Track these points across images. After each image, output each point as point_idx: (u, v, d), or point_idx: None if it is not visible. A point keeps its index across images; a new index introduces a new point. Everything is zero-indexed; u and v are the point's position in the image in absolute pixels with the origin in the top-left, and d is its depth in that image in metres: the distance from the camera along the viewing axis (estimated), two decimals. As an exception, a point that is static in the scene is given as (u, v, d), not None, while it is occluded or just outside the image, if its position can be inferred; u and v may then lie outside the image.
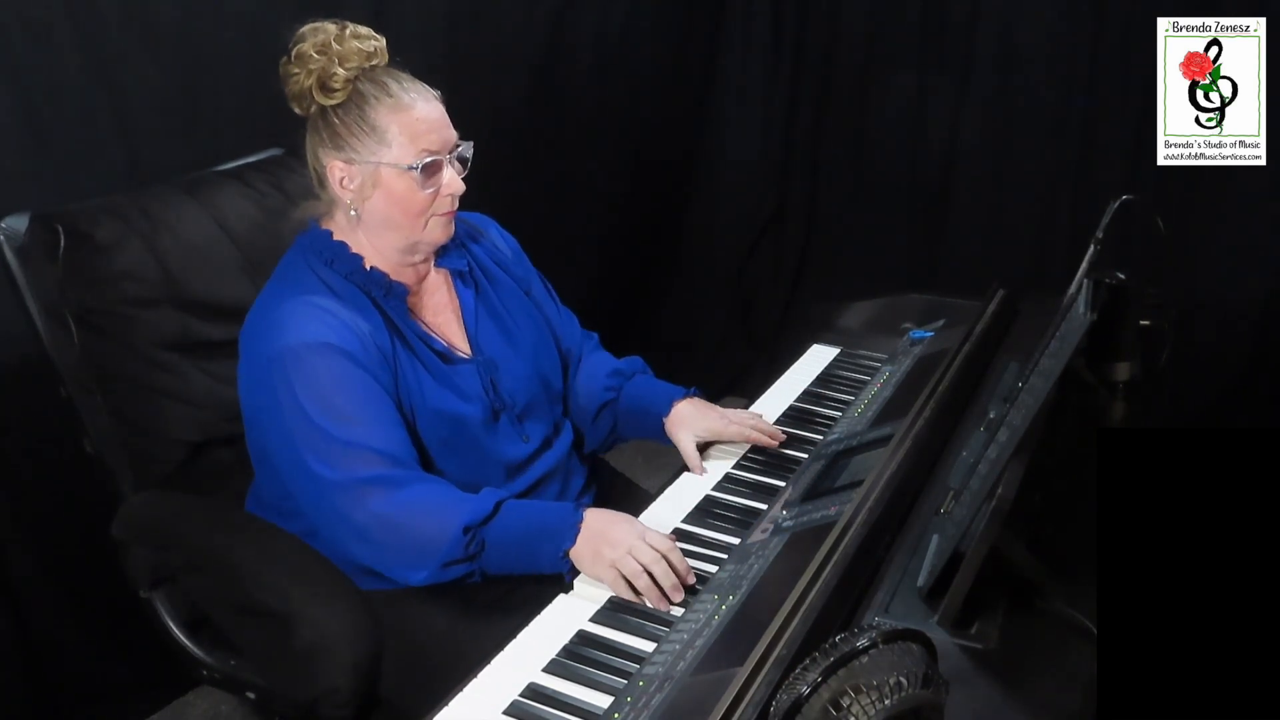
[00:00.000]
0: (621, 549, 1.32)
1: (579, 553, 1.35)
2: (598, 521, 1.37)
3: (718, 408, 1.69)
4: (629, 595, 1.31)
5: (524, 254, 1.72)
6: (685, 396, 1.69)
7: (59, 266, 1.56)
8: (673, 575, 1.31)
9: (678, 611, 1.29)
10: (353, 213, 1.47)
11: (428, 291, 1.56)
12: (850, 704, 0.82)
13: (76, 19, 1.85)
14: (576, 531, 1.35)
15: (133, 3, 1.92)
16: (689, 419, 1.66)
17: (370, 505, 1.37)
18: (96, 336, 1.59)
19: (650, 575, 1.30)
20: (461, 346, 1.55)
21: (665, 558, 1.32)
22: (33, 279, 1.56)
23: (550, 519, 1.39)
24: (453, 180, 1.46)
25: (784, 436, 1.67)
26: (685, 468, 1.64)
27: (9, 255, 1.55)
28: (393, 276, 1.50)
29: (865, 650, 0.84)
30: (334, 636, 1.37)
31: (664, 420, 1.67)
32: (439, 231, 1.49)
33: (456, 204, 1.49)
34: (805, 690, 0.83)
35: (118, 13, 1.91)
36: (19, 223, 1.56)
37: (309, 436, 1.37)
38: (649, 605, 1.30)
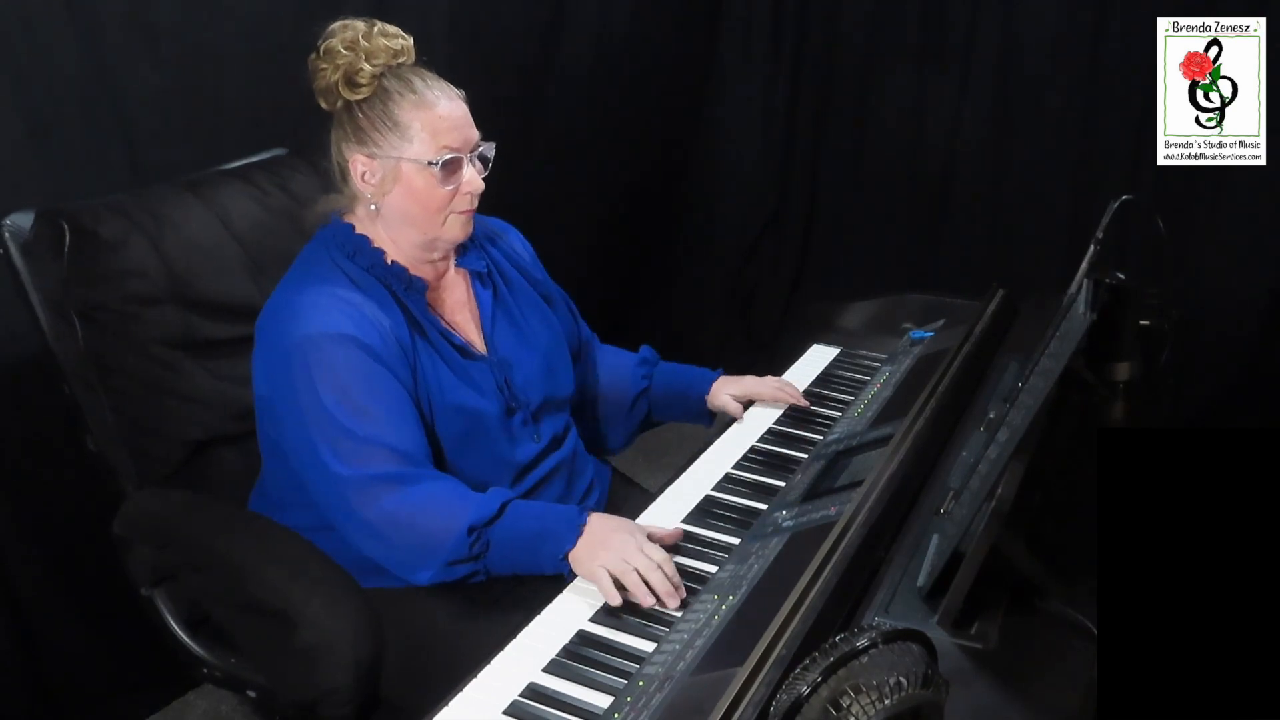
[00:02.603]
0: (615, 554, 1.32)
1: (576, 554, 1.36)
2: (600, 526, 1.37)
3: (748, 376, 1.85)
4: (615, 598, 1.29)
5: (540, 263, 1.74)
6: (719, 376, 1.85)
7: (63, 263, 1.56)
8: (668, 583, 1.31)
9: (678, 611, 1.29)
10: (372, 206, 1.48)
11: (446, 289, 1.57)
12: (850, 704, 0.82)
13: (77, 19, 1.85)
14: (578, 534, 1.36)
15: (134, 2, 1.93)
16: (726, 385, 1.82)
17: (381, 502, 1.38)
18: (100, 334, 1.59)
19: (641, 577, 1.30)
20: (478, 345, 1.56)
21: (659, 566, 1.31)
22: (37, 275, 1.56)
23: (554, 521, 1.39)
24: (472, 179, 1.48)
25: (807, 403, 1.82)
26: (685, 468, 1.64)
27: (14, 252, 1.55)
28: (412, 272, 1.51)
29: (865, 650, 0.84)
30: (335, 635, 1.37)
31: (705, 398, 1.82)
32: (457, 229, 1.50)
33: (476, 203, 1.50)
34: (805, 690, 0.83)
35: (119, 13, 1.91)
36: (24, 219, 1.56)
37: (325, 429, 1.38)
38: (639, 602, 1.29)
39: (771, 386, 1.82)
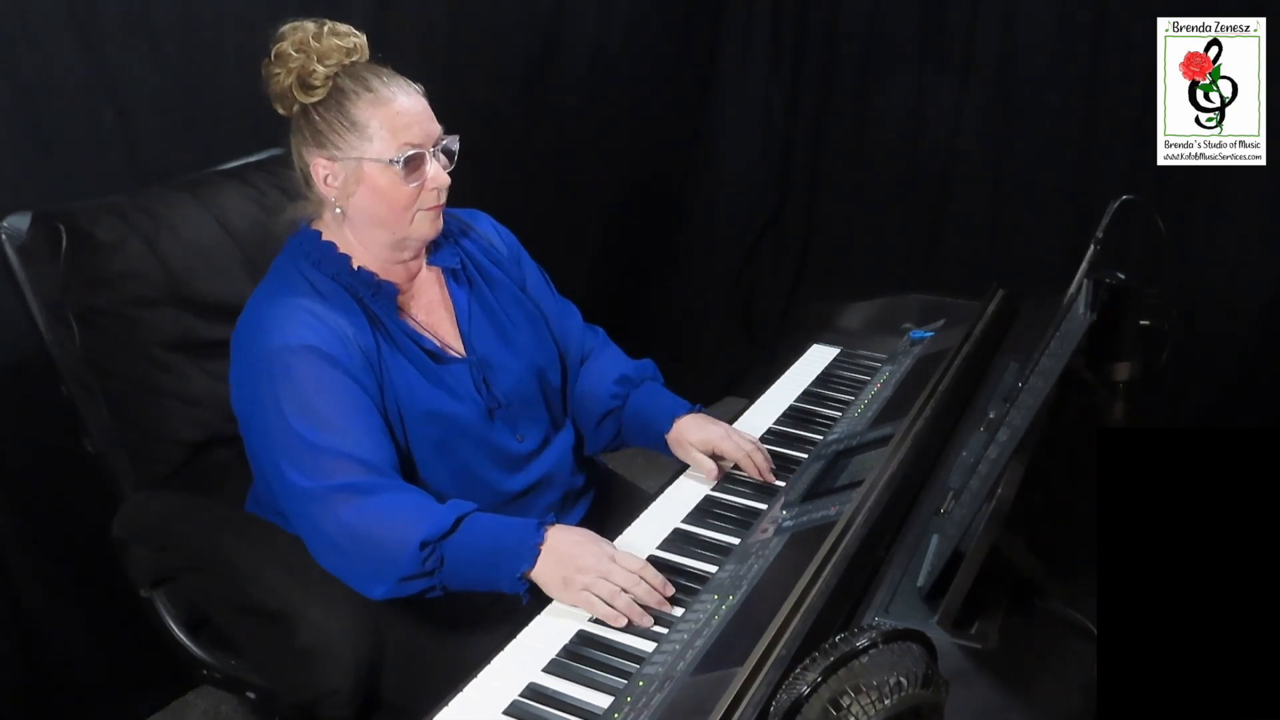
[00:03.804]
0: (592, 574, 1.28)
1: (545, 578, 1.31)
2: (563, 544, 1.32)
3: (722, 423, 1.64)
4: (619, 619, 1.27)
5: (521, 247, 1.70)
6: (689, 412, 1.65)
7: (61, 266, 1.56)
8: (655, 593, 1.29)
9: (678, 611, 1.28)
10: (337, 210, 1.46)
11: (419, 290, 1.54)
12: (850, 704, 0.82)
13: (77, 19, 1.85)
14: (536, 554, 1.31)
15: (133, 3, 1.92)
16: (689, 431, 1.61)
17: (339, 513, 1.34)
18: (98, 336, 1.59)
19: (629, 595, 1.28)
20: (454, 346, 1.54)
21: (641, 577, 1.29)
22: (34, 278, 1.56)
23: (510, 539, 1.33)
24: (437, 174, 1.44)
25: (774, 479, 1.59)
26: (685, 468, 1.63)
27: (11, 254, 1.55)
28: (382, 275, 1.48)
29: (865, 650, 0.84)
30: (334, 637, 1.37)
31: (665, 437, 1.64)
32: (426, 227, 1.47)
33: (443, 198, 1.47)
34: (805, 690, 0.83)
35: (118, 13, 1.91)
36: (21, 221, 1.56)
37: (285, 442, 1.36)
38: (634, 622, 1.27)
39: (738, 448, 1.59)
